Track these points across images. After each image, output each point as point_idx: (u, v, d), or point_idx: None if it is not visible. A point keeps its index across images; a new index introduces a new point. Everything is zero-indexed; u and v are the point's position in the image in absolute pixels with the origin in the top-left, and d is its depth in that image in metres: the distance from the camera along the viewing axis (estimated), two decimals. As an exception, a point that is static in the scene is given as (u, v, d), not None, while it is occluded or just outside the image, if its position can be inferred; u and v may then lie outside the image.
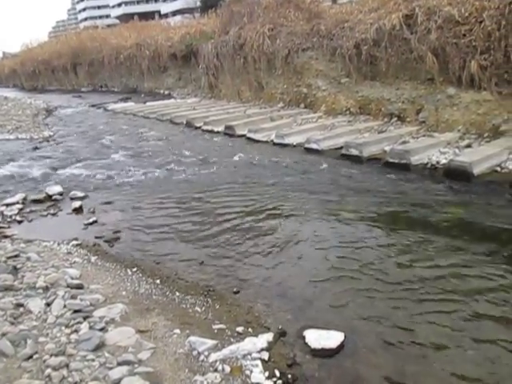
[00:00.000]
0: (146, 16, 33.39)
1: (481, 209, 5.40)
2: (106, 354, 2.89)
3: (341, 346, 3.12)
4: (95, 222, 5.60)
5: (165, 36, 19.62)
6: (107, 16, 65.70)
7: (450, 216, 5.23)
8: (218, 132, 10.87)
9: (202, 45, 15.92)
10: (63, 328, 3.14)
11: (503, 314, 3.37)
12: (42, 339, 3.01)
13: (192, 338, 3.08)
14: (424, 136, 8.19)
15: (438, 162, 7.09)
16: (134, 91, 21.21)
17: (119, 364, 2.80)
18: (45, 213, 6.01)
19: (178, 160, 8.51)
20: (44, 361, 2.78)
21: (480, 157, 6.66)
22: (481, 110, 7.84)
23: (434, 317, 3.40)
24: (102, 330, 3.14)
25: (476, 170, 6.42)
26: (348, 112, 10.43)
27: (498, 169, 6.63)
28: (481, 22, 7.75)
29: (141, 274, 4.21)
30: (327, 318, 3.45)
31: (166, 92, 19.30)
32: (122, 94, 20.60)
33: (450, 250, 4.41)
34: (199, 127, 11.54)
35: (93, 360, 2.81)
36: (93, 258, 4.52)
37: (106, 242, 5.02)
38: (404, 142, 7.98)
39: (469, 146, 7.45)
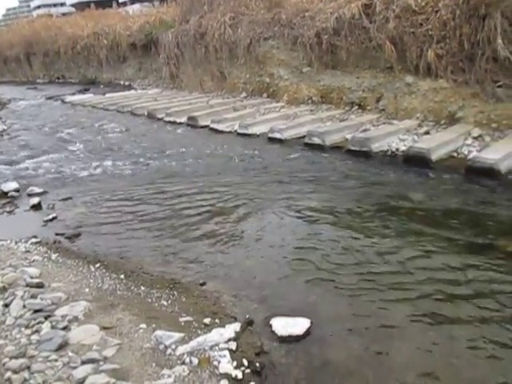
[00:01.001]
0: (103, 4, 32.31)
1: (438, 193, 5.58)
2: (70, 354, 2.82)
3: (307, 333, 3.17)
4: (55, 218, 5.44)
5: (123, 25, 19.08)
6: (62, 4, 63.25)
7: (409, 201, 5.38)
8: (180, 123, 10.74)
9: (162, 34, 15.60)
10: (23, 329, 3.05)
11: (463, 293, 3.51)
12: (0, 342, 2.90)
13: (158, 332, 3.05)
14: (384, 124, 8.35)
15: (397, 149, 7.25)
16: (93, 82, 20.59)
17: (83, 363, 2.74)
18: (0, 210, 5.78)
19: (140, 153, 8.36)
20: (3, 364, 2.69)
21: (437, 143, 6.86)
22: (438, 98, 8.06)
23: (397, 300, 3.50)
24: (64, 328, 3.06)
25: (434, 156, 6.62)
26: (310, 101, 10.49)
27: (455, 154, 6.85)
28: (437, 12, 7.93)
29: (104, 270, 4.13)
30: (294, 306, 3.49)
31: (127, 83, 18.85)
32: (80, 86, 19.98)
33: (410, 233, 4.55)
34: (161, 118, 11.37)
35: (56, 360, 2.74)
36: (53, 256, 4.40)
37: (66, 238, 4.89)
38: (365, 130, 8.12)
39: (427, 132, 7.66)
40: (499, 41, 7.07)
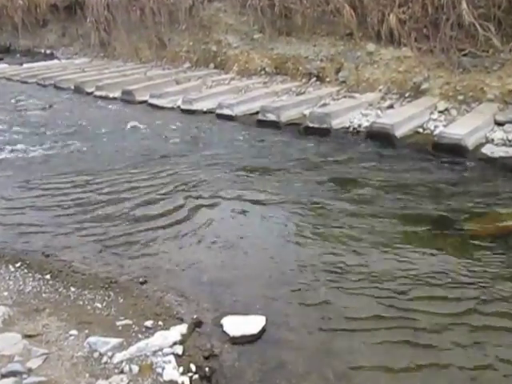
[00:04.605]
0: (17, -43, 30.72)
1: (402, 172, 5.79)
2: (-14, 368, 2.73)
3: (262, 331, 3.22)
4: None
5: (42, -18, 18.26)
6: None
7: (371, 182, 5.54)
8: (113, 98, 10.48)
9: (89, -7, 15.07)
10: None
11: (427, 281, 3.68)
12: None
13: (92, 339, 3.01)
14: (345, 97, 8.51)
15: (359, 125, 7.44)
16: (7, 50, 19.60)
17: (4, 376, 2.67)
18: None
19: (66, 133, 8.09)
20: None
21: (402, 118, 7.08)
22: (401, 68, 8.30)
23: (357, 291, 3.62)
24: (-21, 339, 2.96)
25: (398, 133, 6.84)
26: (263, 72, 10.51)
27: (421, 130, 7.12)
28: (398, -28, 8.13)
29: (26, 270, 4.00)
30: (247, 303, 3.53)
31: (48, 51, 18.09)
32: (-9, 55, 18.99)
33: (372, 217, 4.70)
34: (91, 93, 11.04)
35: (-31, 376, 2.64)
36: (-38, 256, 4.21)
37: (-23, 235, 4.69)
38: (324, 105, 8.24)
39: (391, 106, 7.89)
40: (464, 5, 7.33)
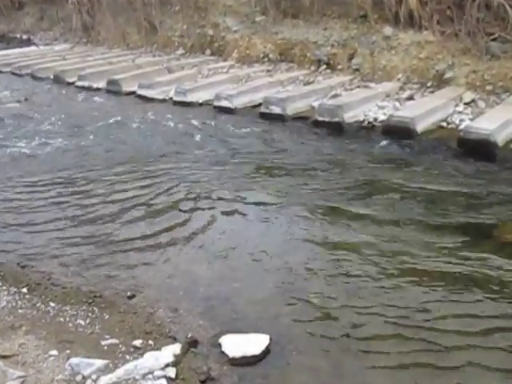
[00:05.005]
0: None
1: (424, 173, 5.79)
2: (-44, 393, 2.75)
3: (266, 351, 3.22)
4: None
5: (17, -41, 18.34)
6: None
7: (389, 183, 5.55)
8: (98, 89, 10.52)
9: (70, -29, 15.13)
10: None
11: (453, 297, 3.69)
12: None
13: (74, 360, 3.02)
14: (358, 87, 8.52)
15: (375, 119, 7.45)
16: (-22, 36, 19.72)
17: (-25, 403, 2.69)
18: None
19: (44, 130, 8.13)
20: None
21: (423, 110, 7.09)
22: (422, 54, 8.31)
23: (373, 307, 3.61)
24: None
25: (419, 127, 6.84)
26: (266, 59, 10.53)
27: (444, 124, 7.13)
28: None
29: (0, 283, 4.02)
30: (248, 320, 3.54)
31: (25, 36, 18.17)
32: (-41, 40, 19.07)
33: (390, 224, 4.71)
34: (72, 83, 11.09)
35: None
36: None
37: None
38: (335, 96, 8.25)
39: (410, 97, 7.89)
40: (493, -17, 7.34)
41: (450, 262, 4.07)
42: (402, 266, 4.06)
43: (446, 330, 3.34)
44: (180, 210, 5.18)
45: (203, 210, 5.19)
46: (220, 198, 5.40)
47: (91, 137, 7.69)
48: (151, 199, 5.45)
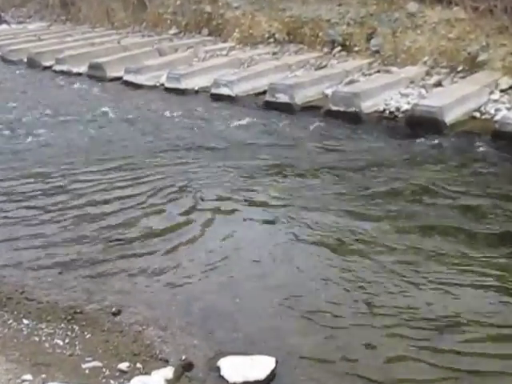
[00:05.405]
0: None
1: (454, 172, 5.77)
2: None
3: (271, 376, 3.21)
4: None
5: None
6: None
7: (413, 183, 5.54)
8: (78, 74, 10.58)
9: None
10: None
11: (482, 319, 3.67)
12: None
13: (51, 386, 3.02)
14: (379, 72, 8.52)
15: (397, 109, 7.43)
16: None
17: None
18: None
19: (16, 121, 8.15)
20: None
21: (453, 99, 7.06)
22: (452, 34, 8.29)
23: (393, 327, 3.60)
24: None
25: (448, 118, 6.83)
26: (272, 40, 10.54)
27: (477, 114, 7.10)
28: None
29: (-35, 297, 4.03)
30: (251, 339, 3.53)
31: (-6, 13, 18.26)
32: None
33: (414, 230, 4.70)
34: (49, 67, 11.15)
35: None
36: None
37: None
38: (351, 82, 8.25)
39: (438, 84, 7.87)
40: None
41: (484, 274, 4.06)
42: (428, 280, 4.03)
43: (480, 354, 3.33)
44: (173, 213, 5.19)
45: (199, 212, 5.19)
46: (219, 200, 5.40)
47: (70, 130, 7.71)
48: (139, 201, 5.45)
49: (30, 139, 7.36)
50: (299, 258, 4.40)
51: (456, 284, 3.96)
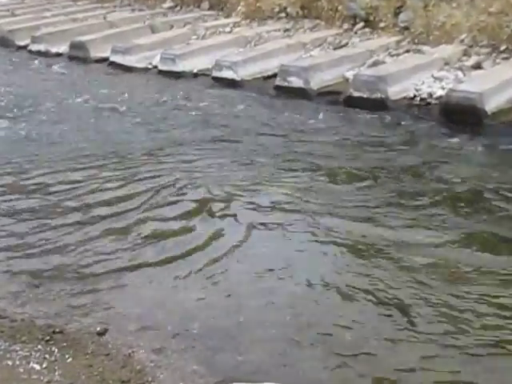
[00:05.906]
0: None
1: (497, 171, 5.78)
2: None
3: (283, 408, 3.24)
4: None
5: None
6: None
7: (451, 184, 5.57)
8: (58, 55, 10.66)
9: None
10: None
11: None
12: None
13: (26, 418, 3.05)
14: (408, 52, 8.52)
15: (430, 95, 7.44)
16: None
17: None
18: None
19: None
20: None
21: (495, 84, 7.07)
22: (494, 8, 8.27)
23: (425, 348, 3.62)
24: None
25: (489, 106, 6.83)
26: (283, 14, 10.54)
27: (525, 102, 7.11)
28: None
29: None
30: (257, 364, 3.54)
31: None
32: None
33: (451, 242, 4.71)
34: (24, 47, 11.23)
35: None
36: None
37: None
38: (376, 63, 8.25)
39: (478, 66, 7.86)
40: None
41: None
42: (467, 300, 4.04)
43: None
44: (169, 218, 5.22)
45: (198, 215, 5.22)
46: (220, 201, 5.43)
47: (48, 120, 7.76)
48: (129, 204, 5.49)
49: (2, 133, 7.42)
50: (315, 270, 4.41)
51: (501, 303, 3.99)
